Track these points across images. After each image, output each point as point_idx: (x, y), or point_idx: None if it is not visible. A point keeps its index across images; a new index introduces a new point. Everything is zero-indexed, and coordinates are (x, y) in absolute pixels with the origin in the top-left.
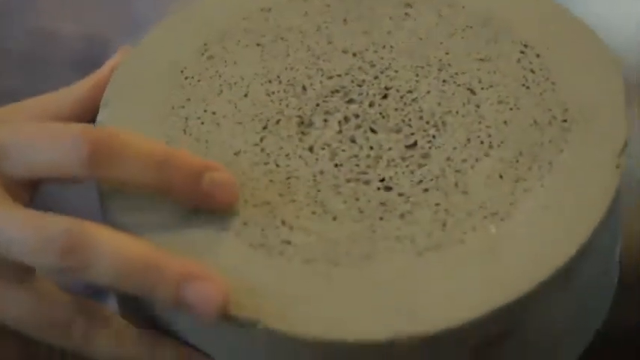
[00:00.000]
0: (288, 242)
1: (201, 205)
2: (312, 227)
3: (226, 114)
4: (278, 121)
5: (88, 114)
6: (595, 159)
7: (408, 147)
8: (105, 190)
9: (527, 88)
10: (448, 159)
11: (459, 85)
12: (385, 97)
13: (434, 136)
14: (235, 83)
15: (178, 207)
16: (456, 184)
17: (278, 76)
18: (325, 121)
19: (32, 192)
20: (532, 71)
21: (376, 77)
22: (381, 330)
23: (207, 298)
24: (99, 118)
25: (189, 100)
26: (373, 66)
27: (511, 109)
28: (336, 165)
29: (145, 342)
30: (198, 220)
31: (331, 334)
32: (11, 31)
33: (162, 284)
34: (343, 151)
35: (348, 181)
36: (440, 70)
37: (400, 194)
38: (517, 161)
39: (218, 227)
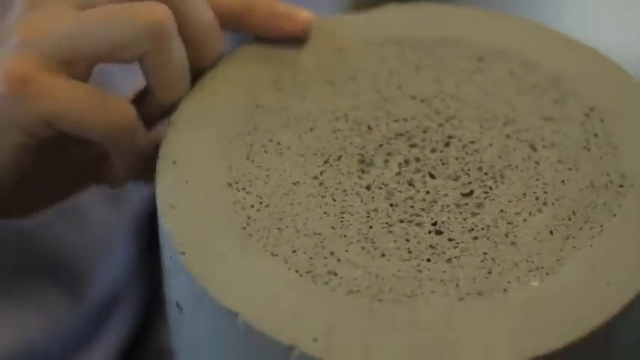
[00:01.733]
0: (335, 273)
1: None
2: (360, 262)
3: (290, 145)
4: (339, 157)
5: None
6: None
7: (464, 195)
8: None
9: (588, 150)
10: (502, 211)
11: (521, 141)
12: (447, 144)
13: (490, 188)
14: (302, 117)
15: (233, 229)
16: (506, 235)
17: (345, 115)
18: (386, 161)
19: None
20: (595, 135)
21: (441, 125)
22: None
23: (297, 11)
24: (165, 134)
25: (256, 128)
26: (439, 113)
27: (570, 169)
28: (391, 205)
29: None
30: (249, 242)
31: None
32: None
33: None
34: (400, 192)
35: (401, 221)
36: (504, 124)
37: (450, 239)
38: (569, 219)
39: (267, 252)
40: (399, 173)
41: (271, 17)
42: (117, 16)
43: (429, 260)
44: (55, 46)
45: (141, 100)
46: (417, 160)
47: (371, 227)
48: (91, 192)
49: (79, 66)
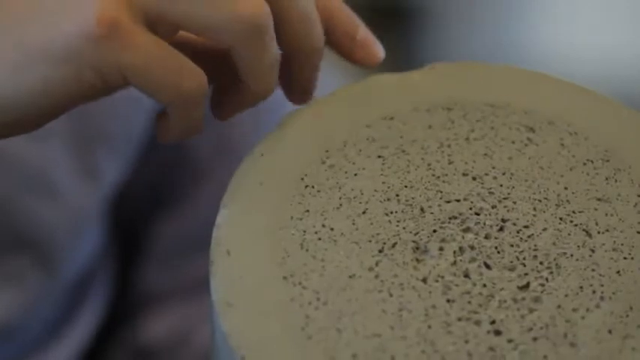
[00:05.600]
0: None
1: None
2: None
3: (344, 231)
4: (394, 245)
5: None
6: None
7: (521, 288)
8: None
9: None
10: (559, 307)
11: (575, 225)
12: (502, 229)
13: (547, 279)
14: (354, 197)
15: (291, 331)
16: (565, 335)
17: (397, 195)
18: (441, 249)
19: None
20: None
21: (494, 207)
22: None
23: (375, 40)
24: (217, 218)
25: (307, 211)
26: (492, 193)
27: (625, 258)
28: (448, 300)
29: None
30: (308, 345)
31: None
32: None
33: (344, 20)
34: (456, 285)
35: (459, 319)
36: (558, 205)
37: (509, 340)
38: (627, 316)
39: (328, 356)
40: (454, 263)
41: (350, 42)
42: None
43: None
44: (151, 1)
45: (231, 85)
46: (472, 247)
47: (430, 327)
48: (63, 166)
49: (163, 27)
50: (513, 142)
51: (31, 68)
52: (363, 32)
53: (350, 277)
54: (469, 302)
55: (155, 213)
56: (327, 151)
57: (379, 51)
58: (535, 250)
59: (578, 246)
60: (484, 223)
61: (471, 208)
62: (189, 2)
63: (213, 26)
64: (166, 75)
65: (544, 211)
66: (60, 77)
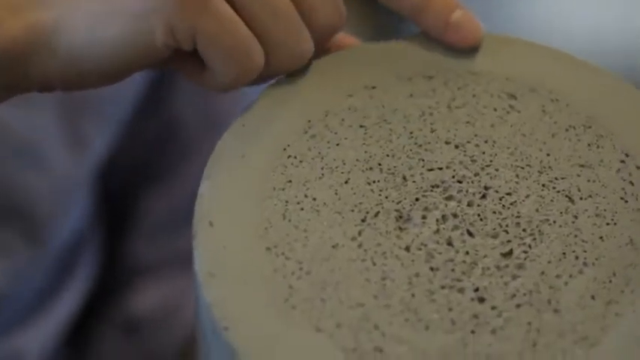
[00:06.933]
0: (380, 350)
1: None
2: (404, 336)
3: (326, 201)
4: (377, 214)
5: None
6: None
7: (504, 255)
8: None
9: (626, 202)
10: (542, 273)
11: (558, 192)
12: (484, 196)
13: (530, 246)
14: (337, 167)
15: (275, 301)
16: (549, 302)
17: (379, 164)
18: (423, 217)
19: None
20: (631, 183)
21: (476, 174)
22: None
23: (474, 22)
24: (200, 190)
25: (290, 182)
26: (474, 161)
27: (608, 224)
28: (431, 268)
29: None
30: (293, 315)
31: None
32: None
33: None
34: (439, 253)
35: (443, 287)
36: (540, 172)
37: (493, 307)
38: (610, 281)
39: (312, 326)
40: (437, 231)
41: (443, 25)
42: (290, 27)
43: (473, 332)
44: None
45: None
46: (455, 215)
47: (413, 295)
48: (51, 136)
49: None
50: (495, 110)
51: (110, 20)
52: (459, 15)
53: (333, 246)
54: (452, 270)
55: (144, 186)
56: (309, 121)
57: (474, 33)
58: (518, 217)
59: (561, 212)
60: (467, 191)
61: (453, 176)
62: (264, 9)
63: (272, 42)
64: (235, 48)
65: (526, 178)
66: (135, 31)
